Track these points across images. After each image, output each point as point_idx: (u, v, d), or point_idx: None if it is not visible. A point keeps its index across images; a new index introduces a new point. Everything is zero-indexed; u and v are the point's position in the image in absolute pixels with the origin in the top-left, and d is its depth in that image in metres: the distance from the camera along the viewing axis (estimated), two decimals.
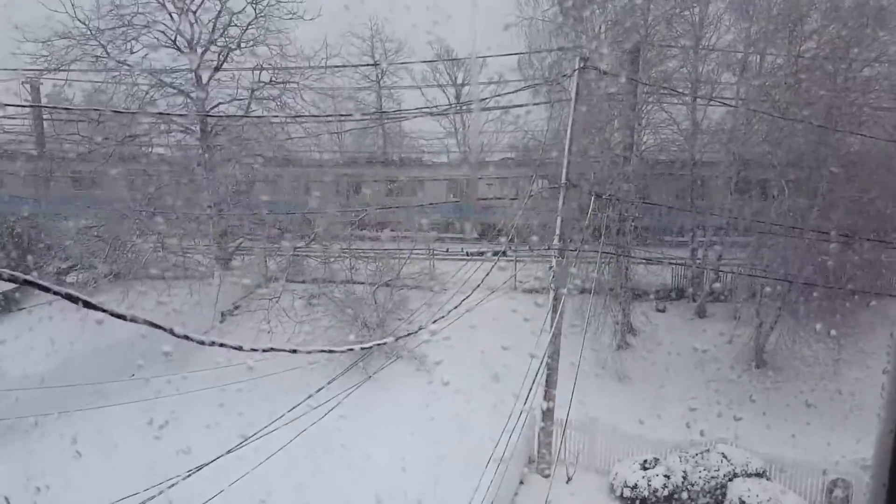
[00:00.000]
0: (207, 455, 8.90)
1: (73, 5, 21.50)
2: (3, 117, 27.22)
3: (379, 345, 10.91)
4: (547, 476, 14.22)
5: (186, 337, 3.76)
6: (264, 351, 4.96)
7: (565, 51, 21.54)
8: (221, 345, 4.67)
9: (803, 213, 17.95)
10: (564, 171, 13.40)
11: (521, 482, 14.34)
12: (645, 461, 14.01)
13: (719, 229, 22.40)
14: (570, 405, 13.40)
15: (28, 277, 2.96)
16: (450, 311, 11.39)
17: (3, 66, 22.59)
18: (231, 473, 9.36)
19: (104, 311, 3.26)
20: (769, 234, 18.02)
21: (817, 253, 16.70)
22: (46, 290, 3.03)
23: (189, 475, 8.65)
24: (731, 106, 21.32)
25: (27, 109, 27.67)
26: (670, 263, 22.47)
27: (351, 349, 12.79)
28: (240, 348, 4.77)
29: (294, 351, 5.82)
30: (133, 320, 3.40)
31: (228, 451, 9.57)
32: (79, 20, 21.68)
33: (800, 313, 17.44)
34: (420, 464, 13.63)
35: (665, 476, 13.53)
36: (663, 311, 21.85)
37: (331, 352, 10.60)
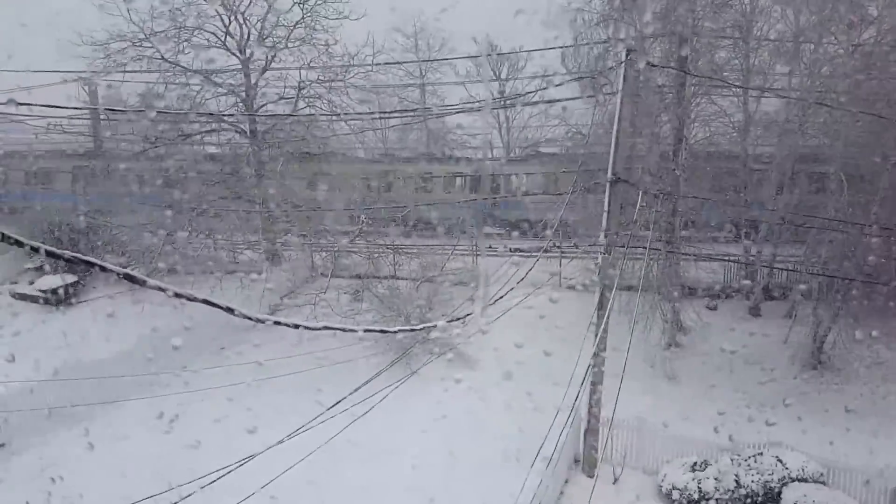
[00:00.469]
0: (218, 451, 9.24)
1: (127, 9, 22.27)
2: (62, 118, 28.38)
3: (428, 327, 11.19)
4: (593, 476, 14.00)
5: (245, 315, 4.02)
6: (315, 329, 5.53)
7: (611, 42, 21.10)
8: (278, 323, 5.11)
9: (863, 208, 17.19)
10: (611, 165, 13.13)
11: (567, 481, 14.18)
12: (695, 463, 13.65)
13: (774, 225, 21.63)
14: (615, 404, 13.15)
15: (129, 272, 3.31)
16: (489, 305, 11.31)
17: (62, 68, 23.57)
18: (246, 470, 9.07)
19: (184, 297, 3.52)
20: (827, 229, 17.33)
21: (878, 249, 15.96)
22: (141, 282, 3.45)
23: (228, 472, 8.77)
24: (786, 97, 20.54)
25: (85, 111, 28.71)
26: (722, 260, 21.81)
27: (402, 330, 13.96)
28: (296, 326, 5.22)
29: (347, 329, 6.61)
30: (208, 303, 3.67)
31: (276, 444, 9.69)
32: (133, 23, 22.43)
33: (859, 313, 16.70)
34: (447, 461, 13.66)
35: (716, 479, 13.15)
36: (715, 308, 21.23)
37: (382, 332, 11.45)
